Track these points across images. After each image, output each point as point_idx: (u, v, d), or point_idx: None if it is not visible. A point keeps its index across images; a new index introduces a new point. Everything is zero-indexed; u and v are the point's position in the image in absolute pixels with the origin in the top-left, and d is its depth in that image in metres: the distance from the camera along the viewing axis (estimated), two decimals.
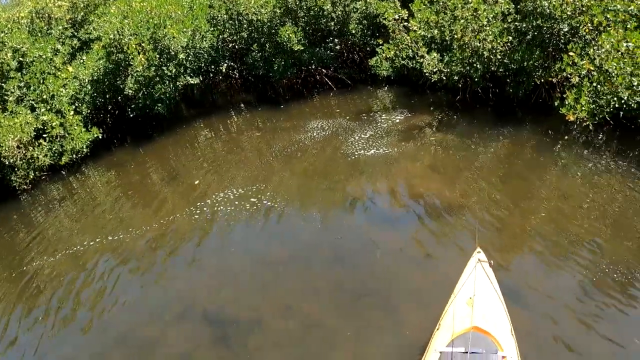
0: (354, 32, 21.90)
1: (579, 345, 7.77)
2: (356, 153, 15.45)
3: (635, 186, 12.97)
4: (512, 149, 15.47)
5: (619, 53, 14.44)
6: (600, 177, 13.98)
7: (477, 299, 6.92)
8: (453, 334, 6.50)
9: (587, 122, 14.33)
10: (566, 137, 16.12)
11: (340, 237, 11.63)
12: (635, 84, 13.88)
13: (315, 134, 17.58)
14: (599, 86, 14.42)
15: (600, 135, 16.82)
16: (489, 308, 6.87)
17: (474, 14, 16.01)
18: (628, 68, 14.01)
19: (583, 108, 14.08)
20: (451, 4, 16.63)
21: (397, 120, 17.98)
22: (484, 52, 16.13)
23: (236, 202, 14.05)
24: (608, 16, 15.20)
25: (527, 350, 7.17)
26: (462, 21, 16.19)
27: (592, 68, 14.56)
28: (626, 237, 10.47)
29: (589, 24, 15.36)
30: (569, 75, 14.61)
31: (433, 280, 9.79)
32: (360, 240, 11.53)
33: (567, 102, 14.23)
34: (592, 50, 14.71)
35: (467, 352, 6.06)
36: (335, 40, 22.66)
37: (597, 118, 14.50)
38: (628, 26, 15.13)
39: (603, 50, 14.57)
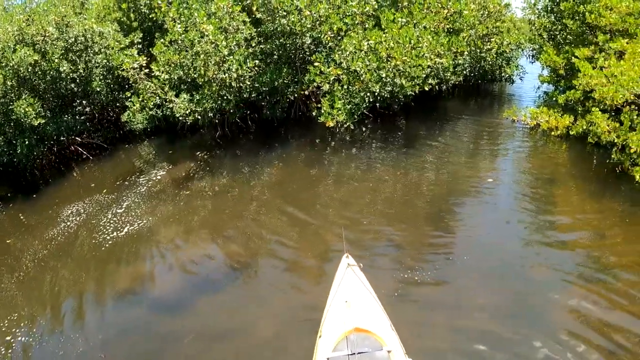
0: (99, 89, 18.62)
1: None
2: (109, 237, 11.79)
3: (402, 169, 13.42)
4: (285, 170, 14.46)
5: (363, 52, 13.60)
6: (373, 169, 13.80)
7: (353, 302, 6.80)
8: (336, 339, 6.37)
9: (348, 123, 13.15)
10: (333, 144, 15.21)
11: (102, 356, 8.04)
12: (384, 75, 13.10)
13: (69, 224, 13.11)
14: (350, 87, 13.38)
15: (364, 129, 17.12)
16: (365, 308, 6.79)
17: (213, 47, 13.93)
18: (373, 64, 13.16)
19: (340, 112, 12.80)
20: (187, 41, 14.40)
21: (158, 178, 15.08)
22: (231, 83, 14.14)
23: None
24: (346, 21, 14.57)
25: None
26: (202, 56, 14.02)
27: (340, 72, 13.55)
28: (414, 208, 11.13)
29: (330, 32, 14.35)
30: (319, 85, 13.23)
31: None
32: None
33: (323, 111, 12.80)
34: (337, 55, 13.66)
35: (353, 354, 6.01)
36: (83, 102, 19.10)
37: (355, 117, 13.83)
38: (367, 26, 14.52)
39: (347, 53, 13.80)
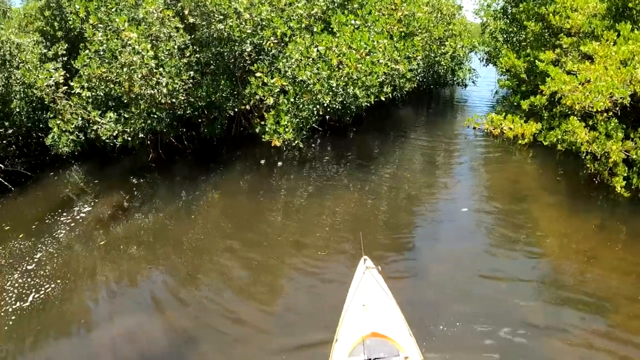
0: (18, 110, 15.91)
1: None
2: (11, 309, 8.65)
3: (358, 193, 11.51)
4: (228, 199, 12.24)
5: (311, 60, 11.58)
6: (325, 195, 11.74)
7: (370, 305, 6.39)
8: (352, 343, 5.99)
9: (296, 142, 11.13)
10: (280, 164, 13.20)
11: None
12: (334, 85, 11.07)
13: None
14: (297, 99, 11.37)
15: (314, 145, 15.29)
16: (383, 312, 6.36)
17: (139, 57, 11.63)
18: (323, 72, 11.12)
19: (287, 129, 10.78)
20: (108, 52, 12.07)
21: (82, 216, 12.41)
22: (161, 99, 11.85)
23: None
24: (291, 25, 12.54)
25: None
26: (125, 69, 11.68)
27: (285, 83, 11.46)
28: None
29: (273, 38, 12.29)
30: (262, 98, 11.13)
31: None
32: None
33: (268, 128, 10.73)
34: (281, 64, 11.64)
35: (369, 359, 5.67)
36: (6, 124, 16.39)
37: (304, 132, 11.96)
38: (315, 30, 12.52)
39: (293, 60, 11.71)
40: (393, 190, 11.60)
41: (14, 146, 18.07)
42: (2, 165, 17.33)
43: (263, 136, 11.18)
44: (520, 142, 13.46)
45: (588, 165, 10.93)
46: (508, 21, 18.49)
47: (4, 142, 17.03)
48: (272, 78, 11.70)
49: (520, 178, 12.05)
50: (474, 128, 15.84)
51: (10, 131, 17.16)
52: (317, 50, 11.97)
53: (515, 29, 18.14)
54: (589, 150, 10.48)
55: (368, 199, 11.23)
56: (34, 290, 9.28)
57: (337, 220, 10.37)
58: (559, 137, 11.33)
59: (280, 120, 11.28)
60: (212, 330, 7.49)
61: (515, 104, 15.14)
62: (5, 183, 16.87)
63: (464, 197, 11.18)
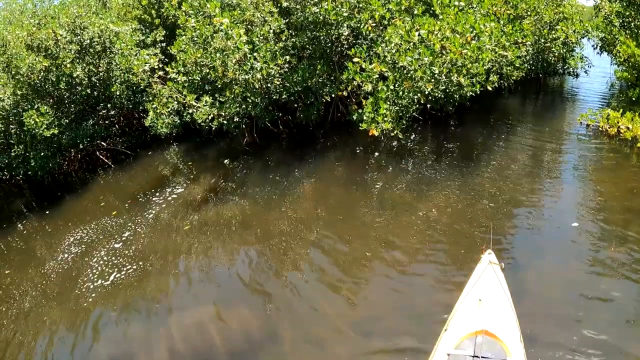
0: (119, 93, 16.40)
1: None
2: (93, 286, 8.87)
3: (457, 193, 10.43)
4: (321, 191, 11.62)
5: (412, 44, 10.67)
6: (423, 192, 10.86)
7: (486, 302, 6.17)
8: (461, 336, 5.79)
9: (395, 132, 10.30)
10: (377, 154, 12.44)
11: None
12: (437, 72, 10.08)
13: (65, 258, 10.25)
14: (397, 86, 10.51)
15: (413, 135, 14.12)
16: (498, 311, 6.09)
17: (232, 43, 11.35)
18: (426, 58, 10.14)
19: (385, 118, 9.99)
20: (200, 38, 11.90)
21: (174, 197, 12.45)
22: (255, 84, 11.48)
23: None
24: (390, 7, 11.68)
25: None
26: (218, 55, 11.45)
27: (384, 69, 10.62)
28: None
29: (371, 21, 11.50)
30: (360, 84, 10.38)
31: None
32: None
33: (365, 116, 9.98)
34: (380, 48, 10.84)
35: (477, 357, 5.45)
36: (108, 105, 17.00)
37: (404, 121, 11.31)
38: (415, 12, 11.57)
39: (392, 45, 10.84)
40: (494, 193, 10.40)
41: (116, 126, 18.80)
42: (104, 144, 18.17)
43: (360, 124, 10.46)
44: (639, 145, 11.71)
45: None
46: (625, 3, 16.28)
47: (107, 122, 17.79)
48: (370, 63, 10.92)
49: (638, 187, 10.33)
50: (587, 125, 14.06)
51: (112, 112, 17.89)
52: (419, 34, 10.99)
53: (633, 12, 15.94)
54: None
55: (466, 200, 10.15)
56: (116, 269, 9.32)
57: (431, 222, 9.44)
58: None
59: (378, 108, 10.48)
60: (295, 326, 6.99)
61: (634, 99, 13.25)
62: (106, 160, 17.61)
63: (572, 207, 9.66)
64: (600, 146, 12.68)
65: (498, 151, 12.88)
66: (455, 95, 12.50)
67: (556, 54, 17.88)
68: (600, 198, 10.00)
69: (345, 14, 11.91)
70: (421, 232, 9.15)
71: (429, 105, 13.92)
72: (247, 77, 11.72)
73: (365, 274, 8.14)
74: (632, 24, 16.06)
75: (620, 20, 16.94)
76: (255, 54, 12.01)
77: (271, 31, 12.77)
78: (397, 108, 11.07)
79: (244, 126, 13.58)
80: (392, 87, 10.81)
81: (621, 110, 13.29)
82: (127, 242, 10.40)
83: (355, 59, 10.92)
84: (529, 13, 15.65)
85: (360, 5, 11.95)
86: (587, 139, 13.37)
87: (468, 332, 5.85)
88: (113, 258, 9.78)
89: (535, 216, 9.32)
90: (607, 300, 6.85)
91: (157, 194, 12.72)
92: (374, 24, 11.91)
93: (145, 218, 11.43)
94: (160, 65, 13.91)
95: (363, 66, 10.87)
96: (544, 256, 7.97)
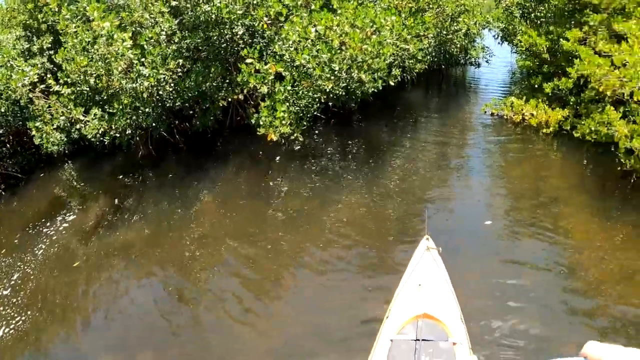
0: (3, 110, 14.59)
1: None
2: None
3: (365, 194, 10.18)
4: (225, 204, 10.81)
5: (309, 41, 10.15)
6: (329, 199, 10.38)
7: (425, 286, 6.30)
8: (403, 322, 5.91)
9: (295, 135, 9.82)
10: (279, 158, 11.90)
11: None
12: (337, 69, 9.65)
13: None
14: (295, 86, 10.01)
15: (316, 135, 13.65)
16: (437, 295, 6.26)
17: (114, 49, 10.27)
18: (324, 55, 9.67)
19: (284, 122, 9.42)
20: (79, 45, 10.73)
21: (65, 226, 10.97)
22: (144, 93, 10.49)
23: None
24: (287, 3, 11.01)
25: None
26: (100, 63, 10.35)
27: (280, 69, 10.03)
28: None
29: (266, 18, 10.82)
30: (256, 86, 9.72)
31: None
32: None
33: (262, 120, 9.38)
34: (277, 46, 10.19)
35: (417, 340, 5.55)
36: None
37: (304, 123, 10.92)
38: (313, 7, 11.04)
39: (290, 43, 10.21)
40: (403, 190, 10.22)
41: (7, 146, 16.74)
42: None
43: (258, 129, 9.83)
44: (544, 130, 11.98)
45: (623, 161, 9.45)
46: None
47: None
48: (265, 64, 10.29)
49: (547, 174, 10.57)
50: (492, 114, 14.31)
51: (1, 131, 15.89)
52: (316, 30, 10.51)
53: (533, 3, 16.46)
54: (628, 147, 9.01)
55: (374, 201, 9.88)
56: (4, 322, 8.10)
57: (340, 229, 9.09)
58: (592, 128, 9.84)
59: (276, 111, 9.90)
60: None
61: (536, 86, 13.61)
62: None
63: (484, 198, 9.79)
64: (506, 133, 12.98)
65: (404, 146, 12.79)
66: (357, 92, 12.18)
67: (458, 45, 18.14)
68: (511, 187, 10.25)
69: (240, 12, 11.18)
70: (335, 236, 8.88)
71: (331, 103, 13.53)
72: (134, 85, 10.69)
73: (281, 292, 7.70)
74: (532, 14, 16.57)
75: (521, 11, 17.46)
76: (143, 59, 10.99)
77: (162, 33, 11.77)
78: (296, 109, 10.57)
79: (137, 138, 12.46)
80: (289, 88, 10.27)
81: (524, 98, 13.61)
82: (15, 287, 9.12)
83: (249, 60, 10.26)
84: (431, 6, 15.65)
85: (255, 2, 11.25)
86: (492, 126, 13.61)
87: (409, 316, 5.96)
88: (0, 309, 8.53)
89: (446, 214, 9.22)
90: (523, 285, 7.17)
91: (48, 223, 11.36)
92: (269, 22, 11.29)
93: (35, 255, 10.11)
94: (46, 77, 12.45)
95: (257, 67, 10.24)
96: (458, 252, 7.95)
